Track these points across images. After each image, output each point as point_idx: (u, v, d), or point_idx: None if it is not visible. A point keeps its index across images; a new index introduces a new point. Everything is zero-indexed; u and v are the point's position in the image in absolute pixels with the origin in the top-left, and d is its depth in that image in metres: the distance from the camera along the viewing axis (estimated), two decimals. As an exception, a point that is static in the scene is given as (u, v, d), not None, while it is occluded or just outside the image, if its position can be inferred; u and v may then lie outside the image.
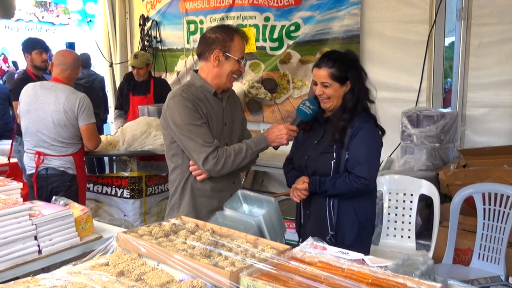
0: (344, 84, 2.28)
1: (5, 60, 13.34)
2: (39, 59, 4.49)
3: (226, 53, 2.27)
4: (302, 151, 2.43)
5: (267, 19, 5.05)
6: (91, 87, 6.36)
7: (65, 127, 3.51)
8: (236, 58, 2.28)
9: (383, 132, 2.39)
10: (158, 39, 6.01)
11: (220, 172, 2.26)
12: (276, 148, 2.36)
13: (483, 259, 2.86)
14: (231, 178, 2.42)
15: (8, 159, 4.36)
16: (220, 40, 2.28)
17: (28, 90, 3.62)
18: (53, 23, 15.48)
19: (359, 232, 2.35)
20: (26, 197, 3.26)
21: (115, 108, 5.41)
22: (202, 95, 2.31)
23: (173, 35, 5.92)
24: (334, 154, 2.29)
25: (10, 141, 4.87)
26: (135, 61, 4.93)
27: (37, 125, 3.52)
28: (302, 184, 2.31)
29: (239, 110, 2.55)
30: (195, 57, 5.68)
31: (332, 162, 2.29)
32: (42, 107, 3.50)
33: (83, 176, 3.76)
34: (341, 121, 2.28)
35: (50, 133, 3.49)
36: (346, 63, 2.29)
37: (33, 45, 4.53)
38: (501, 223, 2.82)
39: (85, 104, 3.52)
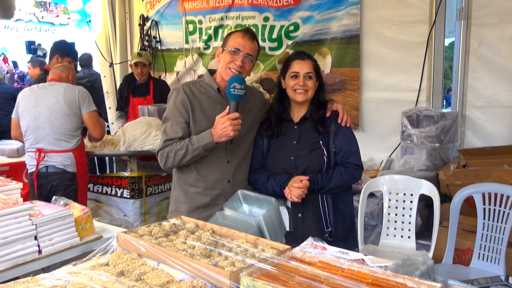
0: (317, 80, 2.42)
1: (5, 60, 13.33)
2: None
3: (223, 47, 2.38)
4: (285, 154, 2.40)
5: (266, 19, 5.04)
6: (93, 86, 6.34)
7: (67, 117, 3.57)
8: (229, 49, 2.33)
9: None
10: (158, 39, 6.02)
11: (165, 167, 2.39)
12: (230, 142, 2.29)
13: (483, 259, 2.86)
14: (225, 176, 2.40)
15: None
16: (224, 39, 2.43)
17: (26, 92, 3.69)
18: (52, 23, 15.49)
19: (350, 225, 2.49)
20: (26, 197, 3.27)
21: (116, 109, 5.44)
22: (205, 91, 2.43)
23: (172, 35, 5.90)
24: (324, 150, 2.35)
25: (10, 141, 4.86)
26: (140, 58, 5.00)
27: (38, 121, 3.56)
28: (300, 182, 2.28)
29: (252, 110, 2.49)
30: (195, 57, 5.70)
31: (324, 157, 2.35)
32: (42, 102, 3.58)
33: (83, 173, 3.76)
34: (319, 114, 2.40)
35: (51, 126, 3.54)
36: (316, 61, 2.46)
37: (69, 52, 4.48)
38: (501, 223, 2.81)
39: (85, 93, 3.67)
